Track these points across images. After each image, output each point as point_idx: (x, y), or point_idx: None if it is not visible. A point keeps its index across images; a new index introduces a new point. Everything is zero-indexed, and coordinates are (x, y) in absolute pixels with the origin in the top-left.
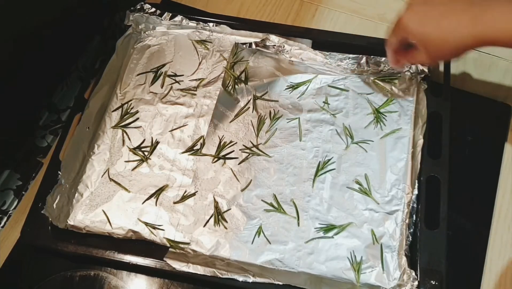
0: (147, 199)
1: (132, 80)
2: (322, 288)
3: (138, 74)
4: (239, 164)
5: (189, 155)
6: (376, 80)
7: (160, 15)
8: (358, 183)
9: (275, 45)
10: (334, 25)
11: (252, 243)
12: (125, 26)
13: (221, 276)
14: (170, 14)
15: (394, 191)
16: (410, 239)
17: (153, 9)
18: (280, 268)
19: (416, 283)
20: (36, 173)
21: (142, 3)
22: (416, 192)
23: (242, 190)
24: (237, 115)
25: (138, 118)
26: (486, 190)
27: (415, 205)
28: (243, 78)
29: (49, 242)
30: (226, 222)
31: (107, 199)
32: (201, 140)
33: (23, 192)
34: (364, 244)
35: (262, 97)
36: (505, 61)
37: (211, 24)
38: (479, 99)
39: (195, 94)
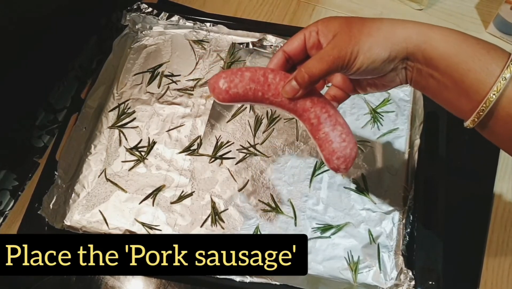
0: (144, 199)
1: (129, 80)
2: (320, 288)
3: (135, 74)
4: (236, 164)
5: (186, 155)
6: None
7: (157, 15)
8: (355, 182)
9: (272, 45)
10: None
11: None
12: (122, 26)
13: (218, 276)
14: (167, 14)
15: (391, 191)
16: (407, 239)
17: (150, 9)
18: None
19: (413, 282)
20: (33, 173)
21: (139, 2)
22: (412, 191)
23: (239, 190)
24: (234, 115)
25: (135, 118)
26: (483, 190)
27: (412, 205)
28: None
29: None
30: (223, 222)
31: (104, 199)
32: (198, 141)
33: (19, 192)
34: (361, 243)
35: None
36: None
37: (208, 24)
38: None
39: (192, 94)
